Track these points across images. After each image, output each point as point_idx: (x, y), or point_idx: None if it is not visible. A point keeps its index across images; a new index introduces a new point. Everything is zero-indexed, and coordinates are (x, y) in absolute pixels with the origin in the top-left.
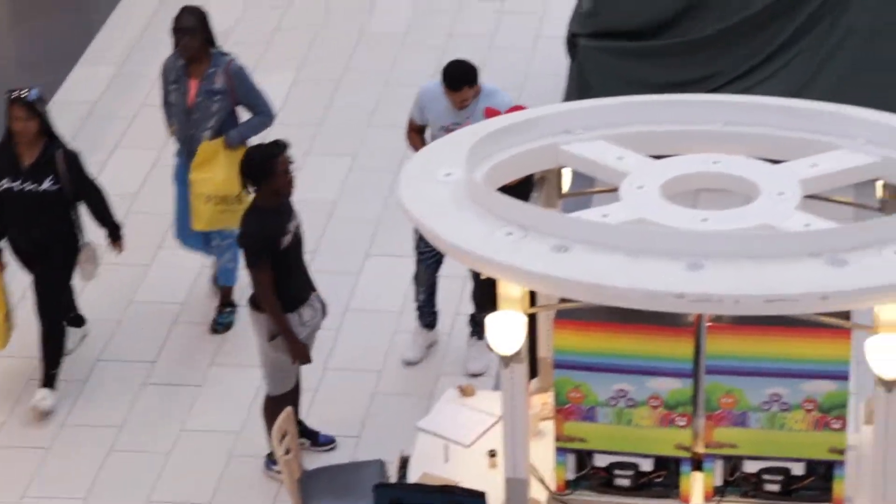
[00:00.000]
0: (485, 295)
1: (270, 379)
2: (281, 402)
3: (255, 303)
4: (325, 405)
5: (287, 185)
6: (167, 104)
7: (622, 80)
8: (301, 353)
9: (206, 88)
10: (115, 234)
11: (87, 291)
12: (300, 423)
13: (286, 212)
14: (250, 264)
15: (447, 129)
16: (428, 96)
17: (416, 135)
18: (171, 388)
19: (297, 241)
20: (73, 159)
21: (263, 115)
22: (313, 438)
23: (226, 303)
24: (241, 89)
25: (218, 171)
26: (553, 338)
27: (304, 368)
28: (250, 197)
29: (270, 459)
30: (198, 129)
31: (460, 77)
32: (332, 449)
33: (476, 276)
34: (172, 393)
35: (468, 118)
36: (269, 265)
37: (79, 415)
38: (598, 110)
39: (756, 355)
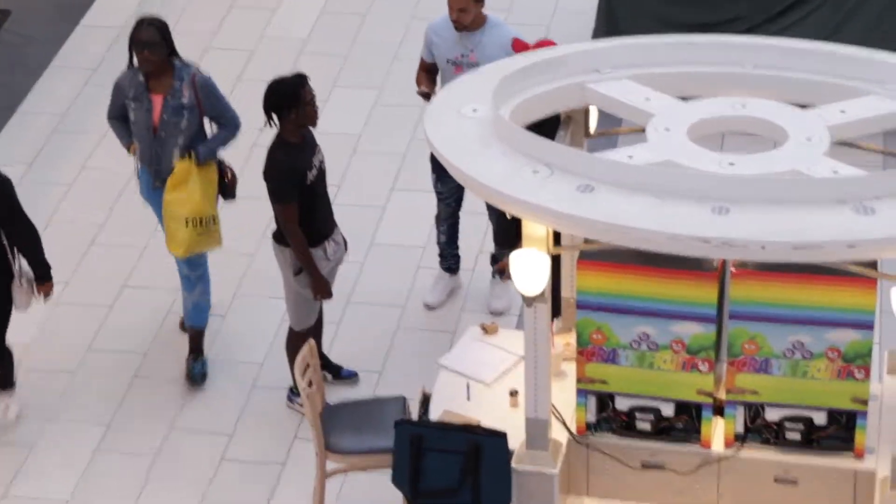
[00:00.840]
0: (508, 233)
1: (294, 313)
2: (304, 336)
3: (279, 237)
4: (348, 339)
5: (312, 115)
6: (125, 121)
7: (652, 19)
8: (323, 289)
9: (173, 104)
10: (42, 275)
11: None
12: (323, 357)
13: (310, 145)
14: (277, 198)
15: (454, 62)
16: (434, 30)
17: (425, 73)
18: None
19: (322, 175)
20: (1, 187)
21: (231, 126)
22: (335, 372)
23: (197, 349)
24: (209, 102)
25: (194, 191)
26: (576, 278)
27: (328, 302)
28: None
29: (293, 392)
30: (164, 147)
31: None
32: (354, 383)
33: (499, 215)
34: None
35: (472, 50)
36: (296, 199)
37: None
38: (627, 49)
39: (780, 302)
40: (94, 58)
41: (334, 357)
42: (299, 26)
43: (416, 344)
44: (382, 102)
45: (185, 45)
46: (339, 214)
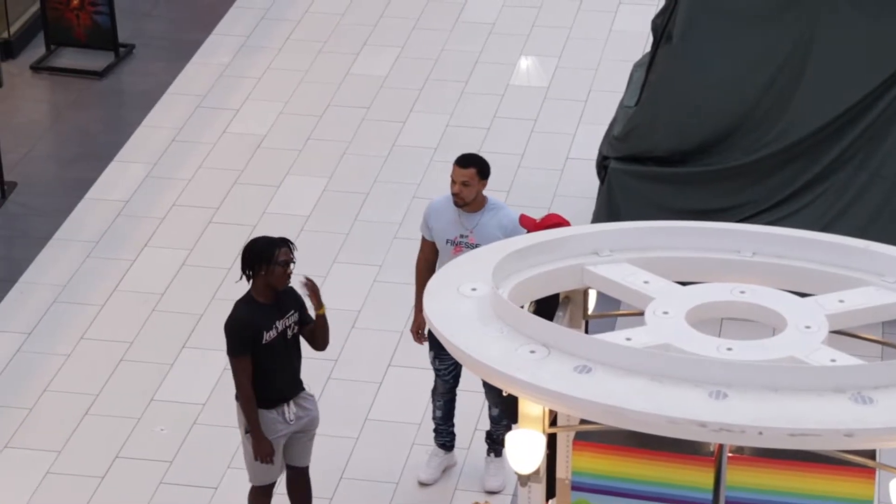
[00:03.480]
0: (506, 409)
1: (250, 469)
2: (264, 491)
3: (236, 393)
4: None
5: (280, 278)
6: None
7: (651, 205)
8: (262, 450)
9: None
10: None
11: (107, 387)
12: None
13: (281, 308)
14: (229, 350)
15: (453, 243)
16: (434, 210)
17: (425, 264)
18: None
19: (284, 339)
20: None
21: None
22: None
23: None
24: None
25: None
26: (572, 459)
27: (322, 478)
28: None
29: None
30: None
31: (474, 158)
32: None
33: (498, 391)
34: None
35: (472, 231)
36: (247, 355)
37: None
38: (626, 233)
39: (778, 489)
40: (96, 231)
41: None
42: (301, 204)
43: None
44: (382, 279)
45: (187, 218)
46: (334, 389)
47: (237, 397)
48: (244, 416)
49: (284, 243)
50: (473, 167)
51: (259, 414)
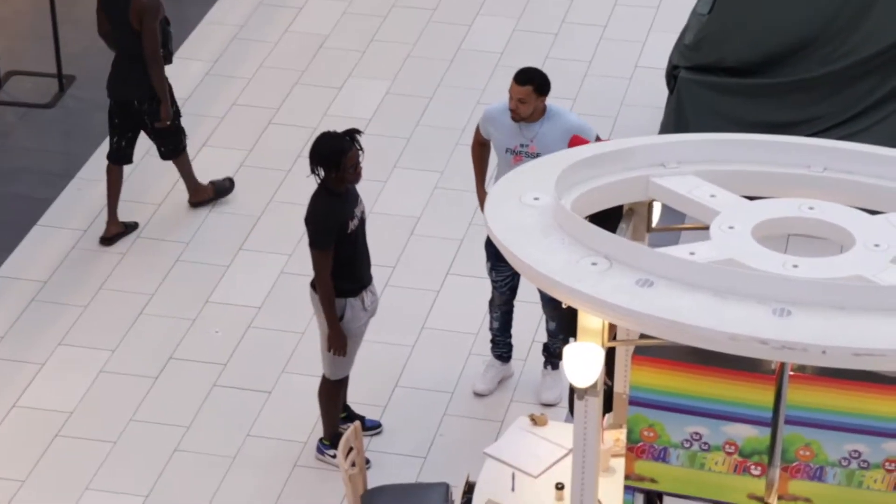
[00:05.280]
0: (563, 323)
1: (330, 363)
2: (338, 385)
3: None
4: (395, 422)
5: (354, 177)
6: None
7: (720, 117)
8: (339, 343)
9: None
10: None
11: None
12: (346, 408)
13: (353, 195)
14: (316, 244)
15: (513, 152)
16: (490, 118)
17: (480, 148)
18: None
19: (363, 226)
20: None
21: None
22: (362, 422)
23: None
24: None
25: None
26: (630, 374)
27: (377, 385)
28: None
29: (323, 444)
30: None
31: (532, 74)
32: (377, 433)
33: (556, 304)
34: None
35: (532, 140)
36: (332, 247)
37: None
38: (694, 145)
39: (839, 409)
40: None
41: (381, 445)
42: (362, 107)
43: (463, 431)
44: (442, 185)
45: (246, 118)
46: (391, 296)
47: (314, 286)
48: (324, 307)
49: (353, 141)
50: (530, 84)
51: (346, 304)
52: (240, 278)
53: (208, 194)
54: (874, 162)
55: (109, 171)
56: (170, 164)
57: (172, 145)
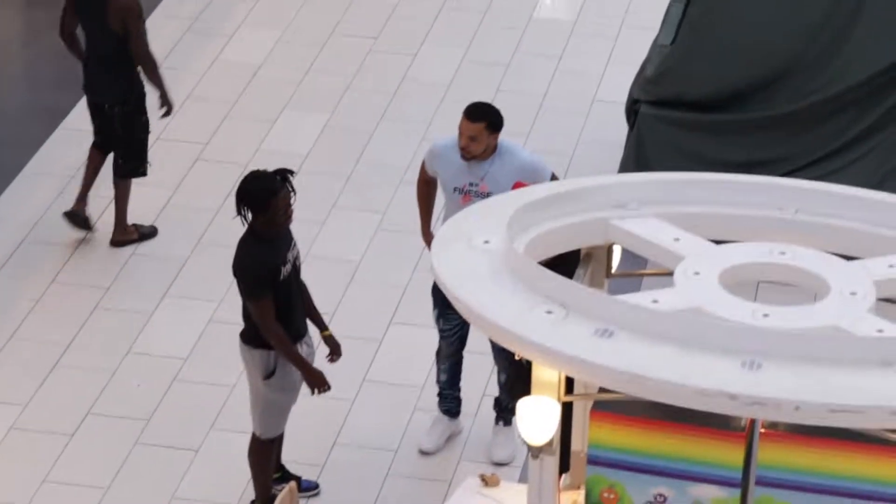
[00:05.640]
0: (517, 378)
1: (262, 420)
2: (270, 444)
3: (247, 337)
4: (334, 483)
5: (285, 220)
6: None
7: (684, 155)
8: (319, 380)
9: None
10: None
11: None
12: (281, 467)
13: (285, 239)
14: (251, 295)
15: (461, 191)
16: (438, 153)
17: (426, 186)
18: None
19: (297, 272)
20: None
21: None
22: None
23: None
24: None
25: None
26: (589, 431)
27: (313, 443)
28: None
29: None
30: None
31: (485, 110)
32: (314, 495)
33: (508, 356)
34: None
35: (483, 179)
36: (271, 295)
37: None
38: (657, 185)
39: (814, 469)
40: (71, 165)
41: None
42: (299, 142)
43: (407, 493)
44: (385, 227)
45: (172, 154)
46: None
47: (248, 341)
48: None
49: (284, 181)
50: (483, 121)
51: (278, 356)
52: (164, 327)
53: (132, 236)
54: (850, 204)
55: (91, 154)
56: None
57: (134, 163)
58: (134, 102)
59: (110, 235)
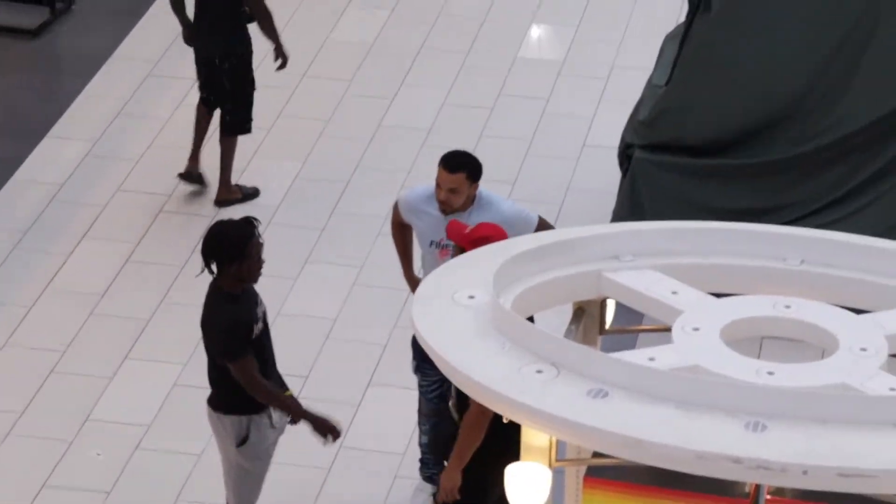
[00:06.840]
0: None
1: (237, 491)
2: None
3: (216, 403)
4: None
5: (255, 272)
6: None
7: (681, 203)
8: (326, 427)
9: None
10: None
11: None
12: None
13: (252, 295)
14: (233, 354)
15: (438, 245)
16: (411, 204)
17: (401, 227)
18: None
19: (268, 330)
20: None
21: None
22: None
23: None
24: None
25: None
26: (582, 498)
27: None
28: None
29: None
30: None
31: (463, 160)
32: None
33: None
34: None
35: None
36: (252, 354)
37: None
38: (652, 235)
39: None
40: (24, 220)
41: None
42: (269, 192)
43: None
44: (362, 282)
45: (134, 205)
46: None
47: (217, 407)
48: (282, 408)
49: (253, 230)
50: (462, 171)
51: (250, 422)
52: (125, 391)
53: (236, 195)
54: (858, 254)
55: (199, 110)
56: (46, 259)
57: (241, 117)
58: (244, 57)
59: (77, 286)
